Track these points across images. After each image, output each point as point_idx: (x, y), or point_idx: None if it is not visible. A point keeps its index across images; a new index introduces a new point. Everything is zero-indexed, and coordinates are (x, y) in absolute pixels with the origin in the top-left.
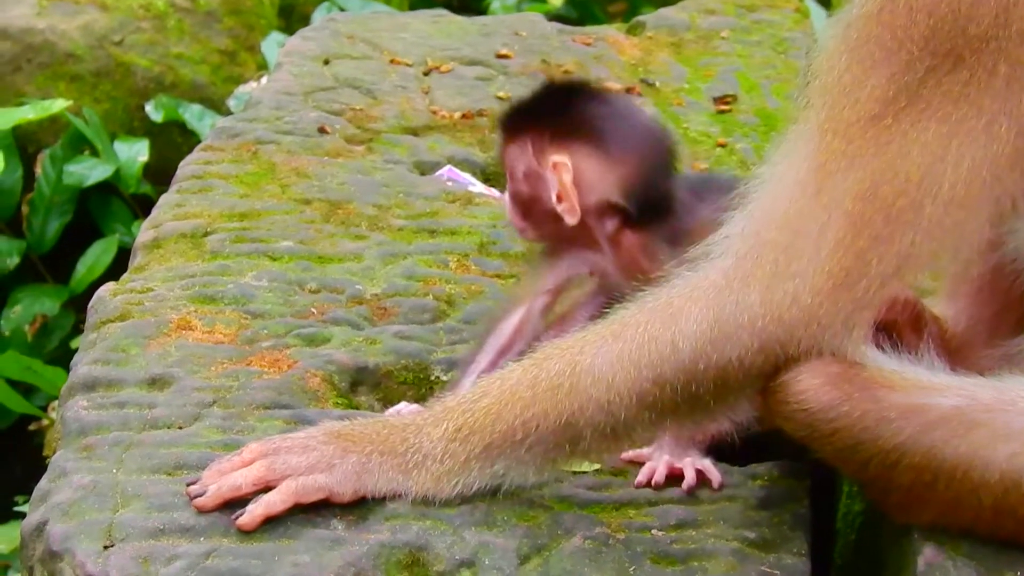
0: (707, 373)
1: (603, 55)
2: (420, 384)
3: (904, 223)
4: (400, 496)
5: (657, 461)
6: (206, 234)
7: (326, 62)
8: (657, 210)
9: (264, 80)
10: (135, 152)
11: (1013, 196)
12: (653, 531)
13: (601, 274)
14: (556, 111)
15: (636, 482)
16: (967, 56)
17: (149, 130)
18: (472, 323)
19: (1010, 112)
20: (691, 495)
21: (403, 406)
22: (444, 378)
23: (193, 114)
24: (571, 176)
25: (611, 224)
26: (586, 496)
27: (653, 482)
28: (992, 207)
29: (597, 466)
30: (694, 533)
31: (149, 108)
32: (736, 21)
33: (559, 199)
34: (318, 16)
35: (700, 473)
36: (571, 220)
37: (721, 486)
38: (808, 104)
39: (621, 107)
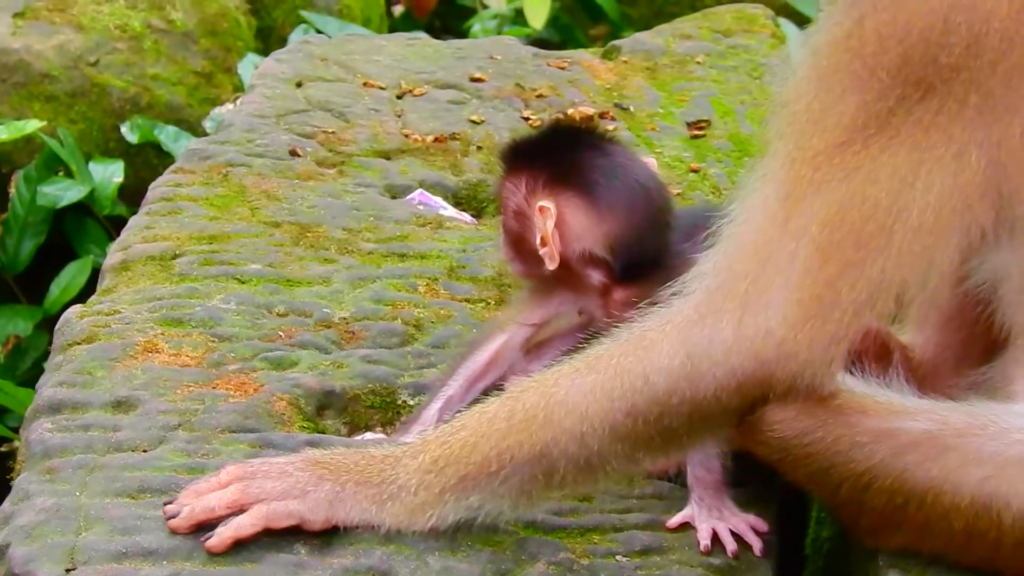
0: (681, 408)
1: (578, 79)
2: (387, 408)
3: (873, 249)
4: (373, 528)
5: (700, 523)
6: (175, 256)
7: (299, 84)
8: (646, 267)
9: (239, 102)
10: (110, 173)
11: (982, 226)
12: (618, 557)
13: (589, 316)
14: (555, 155)
15: (702, 548)
16: (938, 85)
17: (124, 151)
18: (440, 347)
19: (981, 142)
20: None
21: (369, 435)
22: (411, 402)
23: (168, 135)
24: (553, 223)
25: (597, 275)
26: (551, 521)
27: (701, 548)
28: (961, 235)
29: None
30: (659, 559)
31: (124, 129)
32: (712, 46)
33: (542, 243)
34: (295, 38)
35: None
36: (551, 265)
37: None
38: (777, 133)
39: (620, 160)
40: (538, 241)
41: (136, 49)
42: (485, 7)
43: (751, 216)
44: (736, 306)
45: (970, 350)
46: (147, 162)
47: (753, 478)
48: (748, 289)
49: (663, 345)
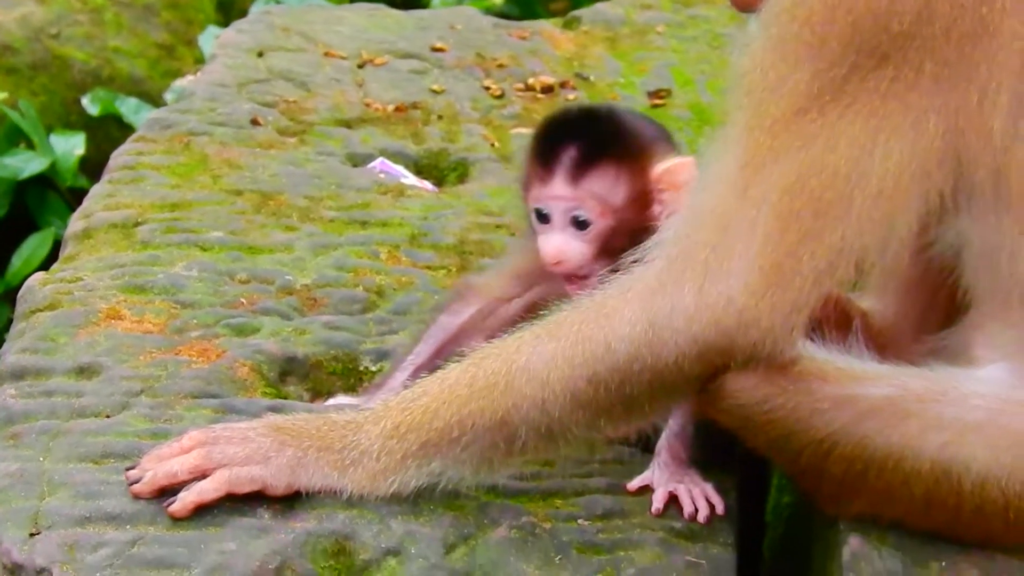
0: (642, 375)
1: (538, 49)
2: (349, 375)
3: (833, 217)
4: (335, 493)
5: (657, 486)
6: (137, 224)
7: (260, 54)
8: None
9: (200, 72)
10: (71, 146)
11: (942, 192)
12: (580, 521)
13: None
14: (635, 127)
15: (653, 510)
16: (892, 53)
17: (86, 124)
18: (402, 314)
19: (938, 109)
20: (638, 493)
21: (341, 397)
22: (373, 368)
23: (130, 108)
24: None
25: None
26: (513, 486)
27: (653, 510)
28: (921, 202)
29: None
30: (621, 523)
31: (86, 101)
32: (672, 16)
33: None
34: (256, 9)
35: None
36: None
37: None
38: (735, 104)
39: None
40: (663, 211)
41: (97, 21)
42: None
43: (711, 185)
44: (697, 274)
45: (930, 316)
46: (108, 135)
47: (715, 445)
48: (709, 257)
49: (625, 313)
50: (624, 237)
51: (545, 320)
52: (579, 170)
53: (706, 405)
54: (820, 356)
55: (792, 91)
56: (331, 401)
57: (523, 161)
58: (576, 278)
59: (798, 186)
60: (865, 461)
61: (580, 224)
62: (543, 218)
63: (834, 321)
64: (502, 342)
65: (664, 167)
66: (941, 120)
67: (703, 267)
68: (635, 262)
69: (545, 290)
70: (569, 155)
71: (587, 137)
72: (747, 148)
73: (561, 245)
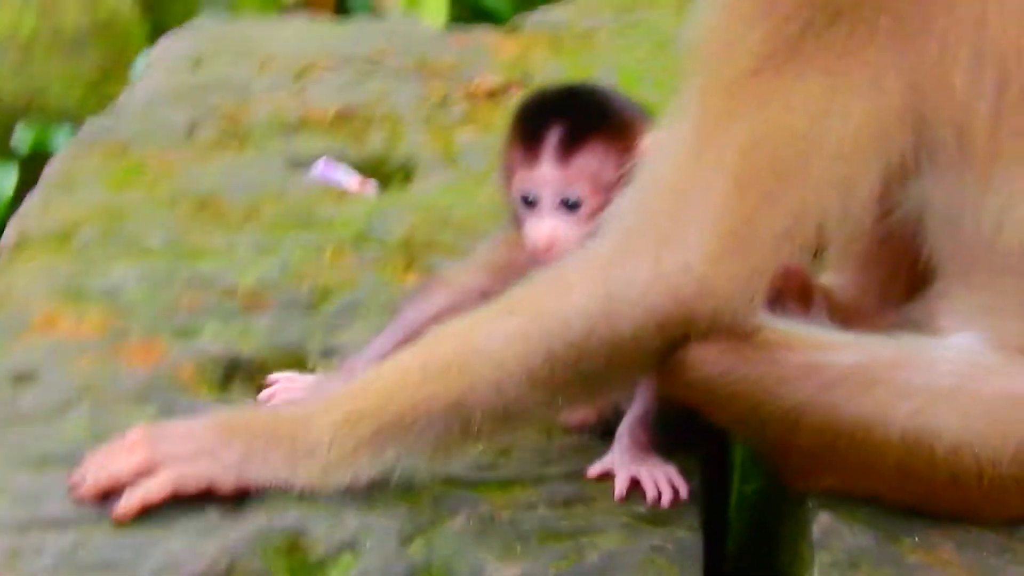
0: (600, 350)
1: (480, 54)
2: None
3: (792, 179)
4: (286, 488)
5: (619, 471)
6: (73, 232)
7: (196, 64)
8: None
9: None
10: (2, 178)
11: (903, 151)
12: (540, 508)
13: None
14: (618, 101)
15: (616, 495)
16: (845, 9)
17: (17, 156)
18: (349, 311)
19: (897, 65)
20: (597, 479)
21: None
22: (320, 367)
23: (62, 138)
24: None
25: None
26: (470, 476)
27: (616, 495)
28: (881, 162)
29: (481, 446)
30: (583, 509)
31: (17, 133)
32: (615, 21)
33: None
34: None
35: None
36: None
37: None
38: (689, 70)
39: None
40: None
41: (28, 52)
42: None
43: (666, 152)
44: (654, 243)
45: (894, 289)
46: (41, 165)
47: (677, 429)
48: (665, 225)
49: (581, 287)
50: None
51: (500, 298)
52: (568, 149)
53: (667, 380)
54: (783, 326)
55: (746, 52)
56: (275, 375)
57: (504, 147)
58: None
59: (755, 148)
60: (834, 431)
61: (571, 206)
62: (530, 203)
63: (795, 295)
64: (456, 323)
65: (651, 139)
66: (900, 77)
67: (659, 235)
68: (591, 235)
69: (517, 276)
70: (555, 134)
71: (572, 114)
72: (701, 112)
73: (552, 229)
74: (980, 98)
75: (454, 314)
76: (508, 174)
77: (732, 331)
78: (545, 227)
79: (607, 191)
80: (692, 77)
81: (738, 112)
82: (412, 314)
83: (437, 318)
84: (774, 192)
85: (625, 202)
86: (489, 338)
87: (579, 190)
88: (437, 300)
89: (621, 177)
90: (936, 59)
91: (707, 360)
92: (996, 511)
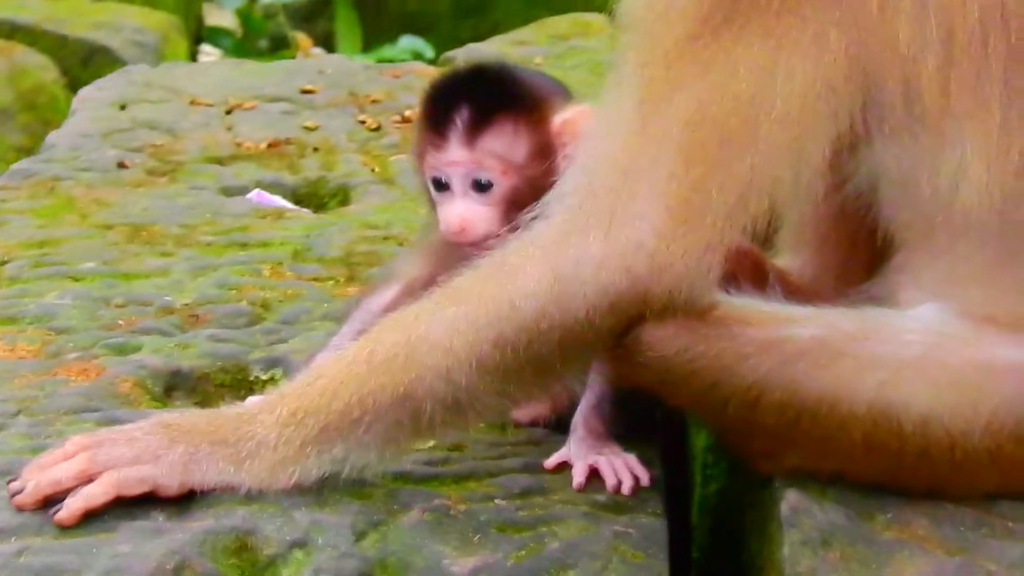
0: (551, 333)
1: (412, 85)
2: (239, 385)
3: (739, 145)
4: (232, 489)
5: (576, 461)
6: (3, 263)
7: (123, 107)
8: None
9: (63, 126)
10: None
11: (851, 112)
12: (497, 500)
13: None
14: (529, 79)
15: (574, 485)
16: None
17: None
18: (291, 323)
19: (838, 21)
20: (554, 470)
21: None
22: (264, 377)
23: None
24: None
25: None
26: (423, 471)
27: (574, 485)
28: (830, 124)
29: (432, 442)
30: (541, 500)
31: None
32: (549, 49)
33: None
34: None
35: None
36: None
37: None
38: (626, 44)
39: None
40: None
41: None
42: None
43: (608, 129)
44: (602, 221)
45: (851, 268)
46: None
47: (634, 418)
48: (613, 202)
49: (528, 269)
50: (529, 197)
51: (444, 286)
52: (474, 129)
53: (622, 362)
54: (740, 302)
55: (681, 17)
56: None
57: (414, 129)
58: (483, 247)
59: (699, 116)
60: (797, 407)
61: (481, 187)
62: (441, 187)
63: (749, 278)
64: (401, 313)
65: (564, 117)
66: (843, 33)
67: (607, 213)
68: (535, 218)
69: (462, 264)
70: (462, 116)
71: (479, 94)
72: (642, 84)
73: (463, 212)
74: (925, 50)
75: (408, 301)
76: (419, 158)
77: (688, 308)
78: (456, 210)
79: (519, 172)
80: (628, 50)
81: (679, 81)
82: (368, 305)
83: (392, 307)
84: (722, 160)
85: (568, 182)
86: (435, 327)
87: (489, 171)
88: (390, 290)
89: (534, 157)
90: (877, 12)
91: (663, 338)
92: (968, 486)
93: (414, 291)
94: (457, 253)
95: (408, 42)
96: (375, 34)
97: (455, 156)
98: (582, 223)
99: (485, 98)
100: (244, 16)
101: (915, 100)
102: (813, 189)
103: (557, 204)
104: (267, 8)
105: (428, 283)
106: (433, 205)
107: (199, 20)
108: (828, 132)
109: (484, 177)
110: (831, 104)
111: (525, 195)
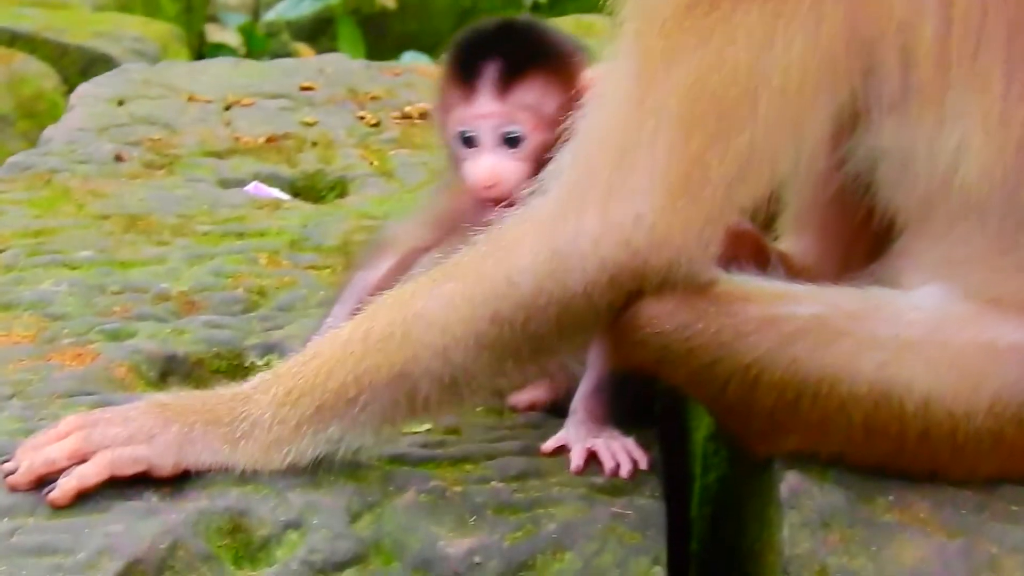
0: (549, 309)
1: (412, 82)
2: (234, 371)
3: (738, 118)
4: (226, 469)
5: (574, 444)
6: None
7: (120, 103)
8: None
9: (60, 121)
10: None
11: (850, 83)
12: (493, 483)
13: None
14: (557, 35)
15: (572, 468)
16: None
17: None
18: (287, 310)
19: None
20: (552, 454)
21: None
22: (260, 363)
23: None
24: None
25: None
26: (418, 454)
27: (572, 468)
28: (831, 96)
29: (428, 425)
30: (538, 483)
31: None
32: None
33: None
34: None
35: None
36: None
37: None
38: (624, 16)
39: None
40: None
41: None
42: None
43: (605, 102)
44: (600, 194)
45: (853, 252)
46: None
47: (633, 401)
48: (611, 176)
49: (526, 244)
50: (546, 154)
51: (441, 263)
52: (506, 82)
53: (620, 339)
54: (740, 279)
55: None
56: None
57: (439, 85)
58: (509, 205)
59: (698, 87)
60: (797, 387)
61: (512, 141)
62: (469, 142)
63: (749, 260)
64: (397, 290)
65: (594, 73)
66: (839, 0)
67: (606, 187)
68: (532, 193)
69: (467, 233)
70: (493, 68)
71: (510, 47)
72: (639, 56)
73: (494, 166)
74: (923, 17)
75: (404, 273)
76: (445, 113)
77: (687, 284)
78: (486, 164)
79: (549, 127)
80: (625, 22)
81: (677, 51)
82: (363, 277)
83: (388, 278)
84: (721, 131)
85: (566, 157)
86: (432, 304)
87: (520, 124)
88: (386, 260)
89: (563, 113)
90: None
91: (662, 315)
92: (970, 468)
93: (411, 262)
94: (466, 222)
95: (411, 59)
96: (378, 51)
97: (486, 109)
98: (580, 197)
99: (517, 51)
100: (247, 33)
101: (912, 70)
102: (814, 165)
103: (554, 179)
104: (270, 25)
105: (427, 253)
106: (457, 163)
107: (201, 37)
108: (827, 104)
109: (515, 131)
110: (830, 75)
111: (550, 152)
